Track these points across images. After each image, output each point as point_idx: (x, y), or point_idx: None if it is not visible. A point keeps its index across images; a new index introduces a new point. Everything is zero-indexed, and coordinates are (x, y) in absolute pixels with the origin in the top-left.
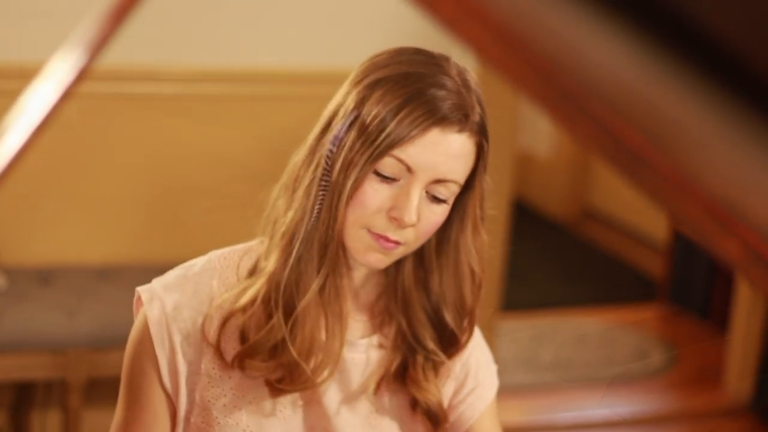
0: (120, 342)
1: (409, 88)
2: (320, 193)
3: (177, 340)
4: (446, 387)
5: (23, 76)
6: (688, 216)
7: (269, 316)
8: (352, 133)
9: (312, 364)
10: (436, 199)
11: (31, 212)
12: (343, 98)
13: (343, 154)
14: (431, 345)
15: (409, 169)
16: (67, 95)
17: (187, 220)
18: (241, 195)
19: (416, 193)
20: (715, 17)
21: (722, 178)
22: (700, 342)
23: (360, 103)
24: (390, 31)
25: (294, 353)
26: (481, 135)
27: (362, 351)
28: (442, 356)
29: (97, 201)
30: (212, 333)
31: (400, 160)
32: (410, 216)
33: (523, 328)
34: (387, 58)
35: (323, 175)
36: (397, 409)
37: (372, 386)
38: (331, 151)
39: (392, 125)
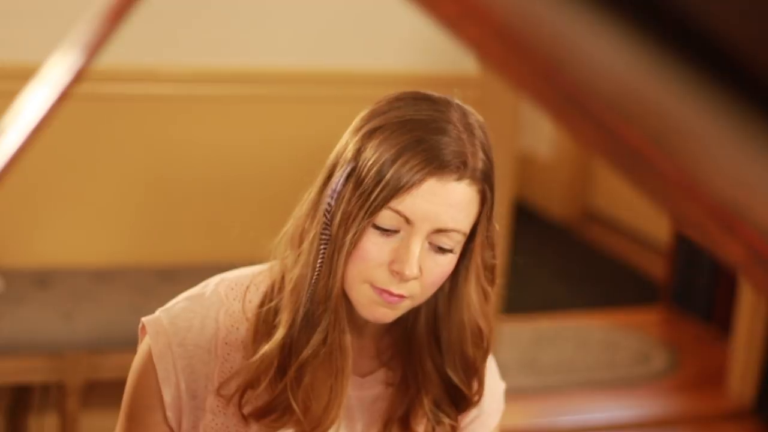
0: (118, 345)
1: (405, 136)
2: (321, 247)
3: (182, 377)
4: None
5: (20, 77)
6: (690, 218)
7: (279, 379)
8: (350, 186)
9: (312, 420)
10: (440, 250)
11: (28, 214)
12: (342, 148)
13: (342, 208)
14: (439, 403)
15: (407, 221)
16: (64, 96)
17: (187, 222)
18: (241, 197)
19: (416, 245)
20: (717, 17)
21: (725, 180)
22: (703, 345)
23: (357, 154)
24: (392, 31)
25: (299, 414)
26: (484, 182)
27: (368, 387)
28: (451, 417)
29: (95, 203)
30: (223, 388)
31: (398, 212)
32: (411, 269)
33: (524, 330)
34: (385, 105)
35: (323, 229)
36: None
37: (378, 426)
38: (329, 204)
39: (388, 176)
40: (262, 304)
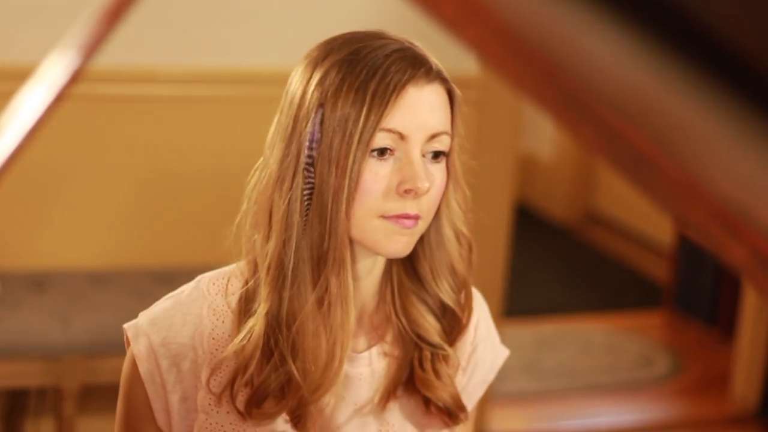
0: (115, 349)
1: (366, 60)
2: (306, 204)
3: (168, 377)
4: (456, 378)
5: (16, 77)
6: (694, 220)
7: (269, 357)
8: (329, 130)
9: (311, 382)
10: (435, 158)
11: (24, 216)
12: (297, 105)
13: (326, 155)
14: (435, 338)
15: (401, 137)
16: (60, 97)
17: (184, 225)
18: (240, 199)
19: (418, 158)
20: (721, 17)
21: (728, 181)
22: (706, 348)
23: (322, 98)
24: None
25: (303, 388)
26: (448, 81)
27: (365, 365)
28: (447, 348)
29: (91, 205)
30: (212, 382)
31: (391, 130)
32: (423, 182)
33: (525, 334)
34: (321, 48)
35: (306, 185)
36: (412, 414)
37: (378, 398)
38: (310, 157)
39: (368, 100)
40: (242, 298)
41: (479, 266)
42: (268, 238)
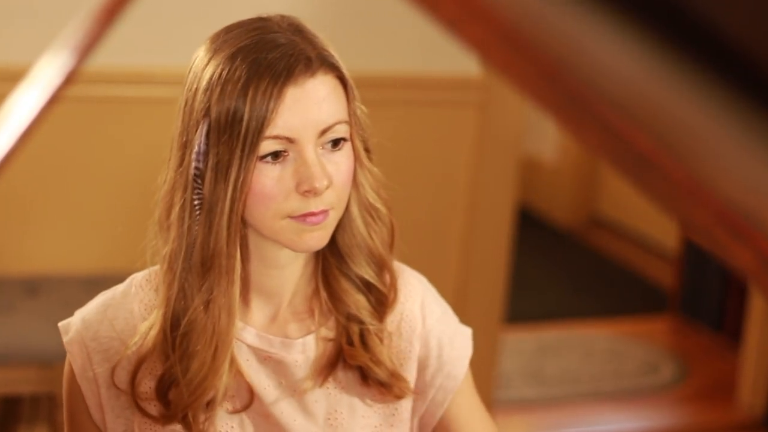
0: None
1: (243, 65)
2: (197, 212)
3: (100, 371)
4: (408, 368)
5: (9, 79)
6: (699, 224)
7: (164, 358)
8: (213, 140)
9: (192, 384)
10: (333, 147)
11: (17, 220)
12: (188, 114)
13: (211, 163)
14: (362, 313)
15: (290, 140)
16: (54, 99)
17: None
18: None
19: (312, 157)
20: (728, 17)
21: (735, 184)
22: (712, 355)
23: (206, 108)
24: (391, 32)
25: (183, 388)
26: (336, 67)
27: (300, 351)
28: (376, 323)
29: (86, 208)
30: (115, 377)
31: (277, 137)
32: (320, 180)
33: (528, 340)
34: (205, 51)
35: (195, 194)
36: (351, 387)
37: (315, 380)
38: (197, 168)
39: (247, 110)
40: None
41: (481, 271)
42: (165, 242)
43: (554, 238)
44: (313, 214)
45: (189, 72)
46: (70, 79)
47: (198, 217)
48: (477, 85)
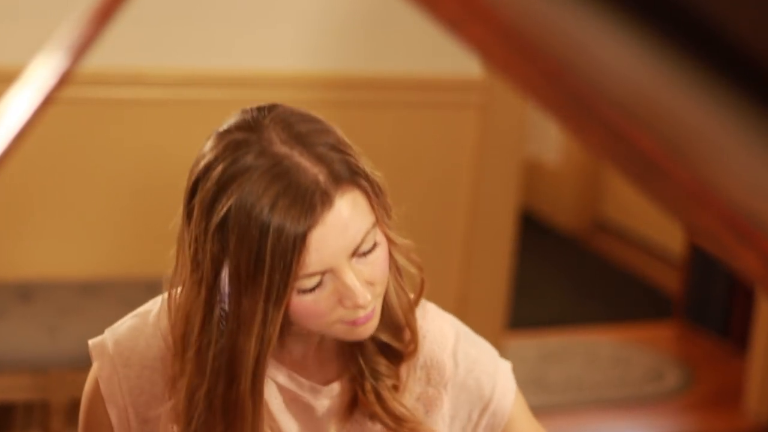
0: None
1: (256, 207)
2: (218, 356)
3: (129, 399)
4: (434, 415)
5: (2, 79)
6: (705, 228)
7: None
8: (233, 286)
9: None
10: (366, 253)
11: (9, 224)
12: (199, 251)
13: (232, 312)
14: (381, 368)
15: (323, 272)
16: (48, 100)
17: (176, 233)
18: None
19: (351, 278)
20: (735, 17)
21: (741, 188)
22: (718, 361)
23: (222, 249)
24: (391, 33)
25: None
26: (352, 175)
27: (327, 396)
28: (392, 377)
29: (79, 212)
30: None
31: (311, 275)
32: (364, 298)
33: (531, 346)
34: (217, 180)
35: (218, 336)
36: None
37: (340, 427)
38: (223, 310)
39: (269, 261)
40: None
41: (483, 276)
42: (182, 371)
43: (557, 242)
44: (359, 319)
45: (191, 197)
46: (64, 80)
47: (221, 358)
48: (478, 86)
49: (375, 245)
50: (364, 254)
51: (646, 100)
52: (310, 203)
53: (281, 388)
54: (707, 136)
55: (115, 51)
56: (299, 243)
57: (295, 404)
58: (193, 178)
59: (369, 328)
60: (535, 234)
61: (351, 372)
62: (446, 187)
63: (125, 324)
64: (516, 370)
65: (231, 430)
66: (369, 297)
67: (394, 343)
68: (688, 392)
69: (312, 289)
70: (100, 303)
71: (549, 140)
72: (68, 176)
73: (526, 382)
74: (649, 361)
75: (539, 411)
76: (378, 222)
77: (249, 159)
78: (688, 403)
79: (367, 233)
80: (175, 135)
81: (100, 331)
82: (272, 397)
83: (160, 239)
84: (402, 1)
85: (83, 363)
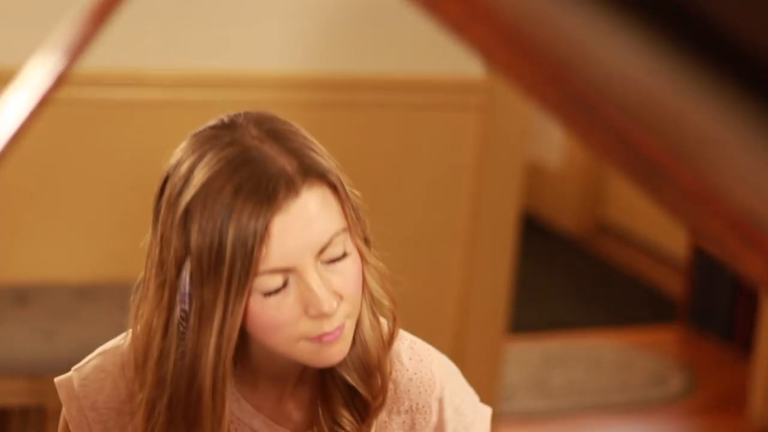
0: None
1: (219, 197)
2: (179, 361)
3: None
4: None
5: None
6: (710, 231)
7: None
8: (196, 280)
9: None
10: (335, 260)
11: (5, 226)
12: (167, 242)
13: (195, 309)
14: (345, 422)
15: (286, 270)
16: (44, 102)
17: None
18: None
19: (315, 280)
20: (741, 18)
21: (747, 190)
22: (722, 366)
23: (186, 244)
24: (392, 33)
25: None
26: (322, 173)
27: None
28: (353, 424)
29: (76, 214)
30: None
31: (273, 271)
32: (329, 304)
33: (532, 351)
34: (177, 177)
35: (179, 339)
36: None
37: None
38: (183, 311)
39: (230, 249)
40: None
41: (484, 279)
42: (141, 386)
43: (560, 245)
44: (327, 334)
45: (160, 195)
46: (60, 81)
47: (183, 362)
48: (480, 87)
49: (345, 254)
50: (333, 261)
51: (651, 101)
52: (274, 189)
53: None
54: (713, 139)
55: (112, 52)
56: (261, 230)
57: None
58: (163, 176)
59: (337, 352)
60: (538, 237)
61: (321, 423)
62: (447, 190)
63: (91, 363)
64: (518, 375)
65: None
66: (335, 305)
67: (363, 391)
68: (692, 397)
69: (276, 291)
70: (96, 307)
71: (551, 142)
72: (64, 178)
73: (528, 387)
74: (652, 365)
75: (541, 416)
76: (350, 232)
77: (216, 150)
78: (691, 408)
79: (336, 235)
80: (173, 137)
81: (97, 335)
82: None
83: None
84: (402, 1)
85: None
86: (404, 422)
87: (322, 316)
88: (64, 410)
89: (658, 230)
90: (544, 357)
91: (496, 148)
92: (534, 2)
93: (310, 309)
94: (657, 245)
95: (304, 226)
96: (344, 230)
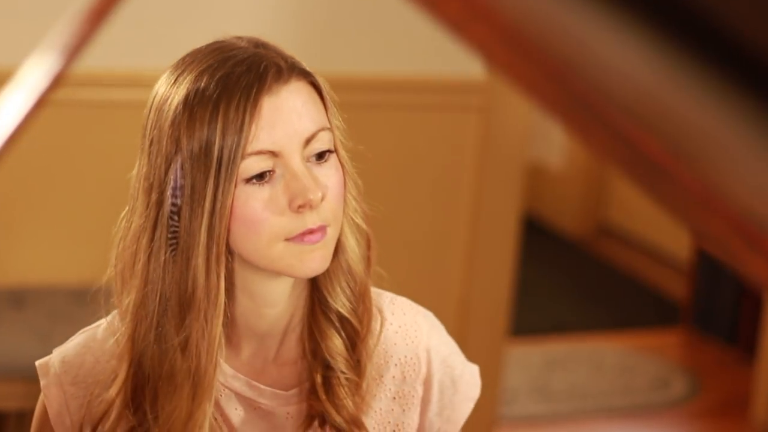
0: None
1: (209, 86)
2: (171, 253)
3: (77, 417)
4: (411, 414)
5: None
6: (713, 233)
7: (134, 409)
8: (187, 171)
9: None
10: (319, 159)
11: (2, 229)
12: (155, 156)
13: (186, 197)
14: (339, 360)
15: (274, 154)
16: (41, 102)
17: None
18: None
19: (302, 168)
20: (743, 18)
21: (750, 192)
22: (725, 369)
23: (176, 141)
24: (392, 34)
25: None
26: (308, 74)
27: (291, 402)
28: (350, 372)
29: (73, 217)
30: (84, 428)
31: (260, 152)
32: (314, 192)
33: (534, 354)
34: (165, 85)
35: (170, 236)
36: None
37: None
38: (174, 205)
39: (220, 129)
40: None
41: (485, 282)
42: (127, 292)
43: (561, 247)
44: (311, 231)
45: (149, 111)
46: (57, 82)
47: (174, 256)
48: (480, 88)
49: (328, 153)
50: (317, 160)
51: (653, 102)
52: (265, 71)
53: (240, 398)
54: (715, 140)
55: (110, 52)
56: (251, 107)
57: (258, 413)
58: (151, 95)
59: (319, 257)
60: (539, 239)
61: (312, 377)
62: (448, 191)
63: (73, 341)
64: (519, 378)
65: (186, 324)
66: (320, 195)
67: (352, 318)
68: (695, 400)
69: (261, 178)
70: (93, 310)
71: (552, 143)
72: (61, 180)
73: (529, 390)
74: (655, 368)
75: (542, 420)
76: (333, 136)
77: (203, 55)
78: (694, 412)
79: (322, 129)
80: None
81: None
82: (232, 409)
83: None
84: (403, 1)
85: None
86: (394, 377)
87: (307, 205)
88: (42, 396)
89: (661, 232)
90: (545, 360)
91: (497, 150)
92: (534, 1)
93: (295, 199)
94: (659, 247)
95: (292, 111)
96: (329, 130)
